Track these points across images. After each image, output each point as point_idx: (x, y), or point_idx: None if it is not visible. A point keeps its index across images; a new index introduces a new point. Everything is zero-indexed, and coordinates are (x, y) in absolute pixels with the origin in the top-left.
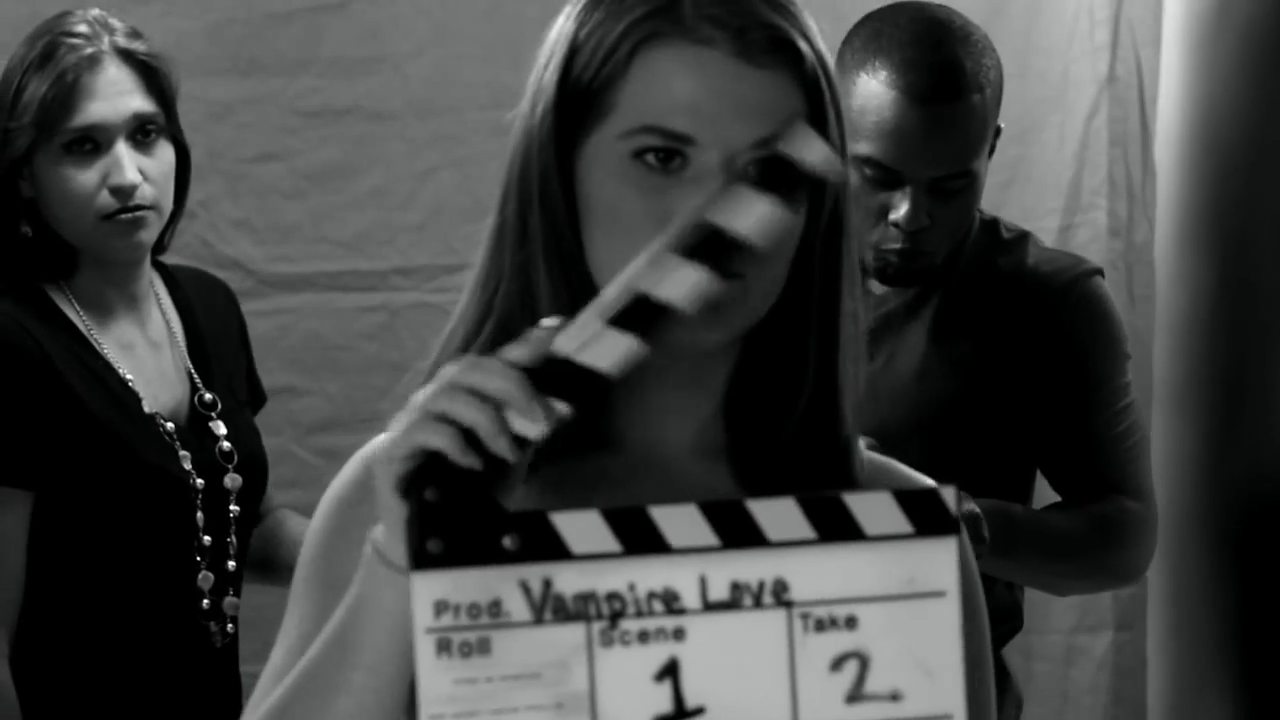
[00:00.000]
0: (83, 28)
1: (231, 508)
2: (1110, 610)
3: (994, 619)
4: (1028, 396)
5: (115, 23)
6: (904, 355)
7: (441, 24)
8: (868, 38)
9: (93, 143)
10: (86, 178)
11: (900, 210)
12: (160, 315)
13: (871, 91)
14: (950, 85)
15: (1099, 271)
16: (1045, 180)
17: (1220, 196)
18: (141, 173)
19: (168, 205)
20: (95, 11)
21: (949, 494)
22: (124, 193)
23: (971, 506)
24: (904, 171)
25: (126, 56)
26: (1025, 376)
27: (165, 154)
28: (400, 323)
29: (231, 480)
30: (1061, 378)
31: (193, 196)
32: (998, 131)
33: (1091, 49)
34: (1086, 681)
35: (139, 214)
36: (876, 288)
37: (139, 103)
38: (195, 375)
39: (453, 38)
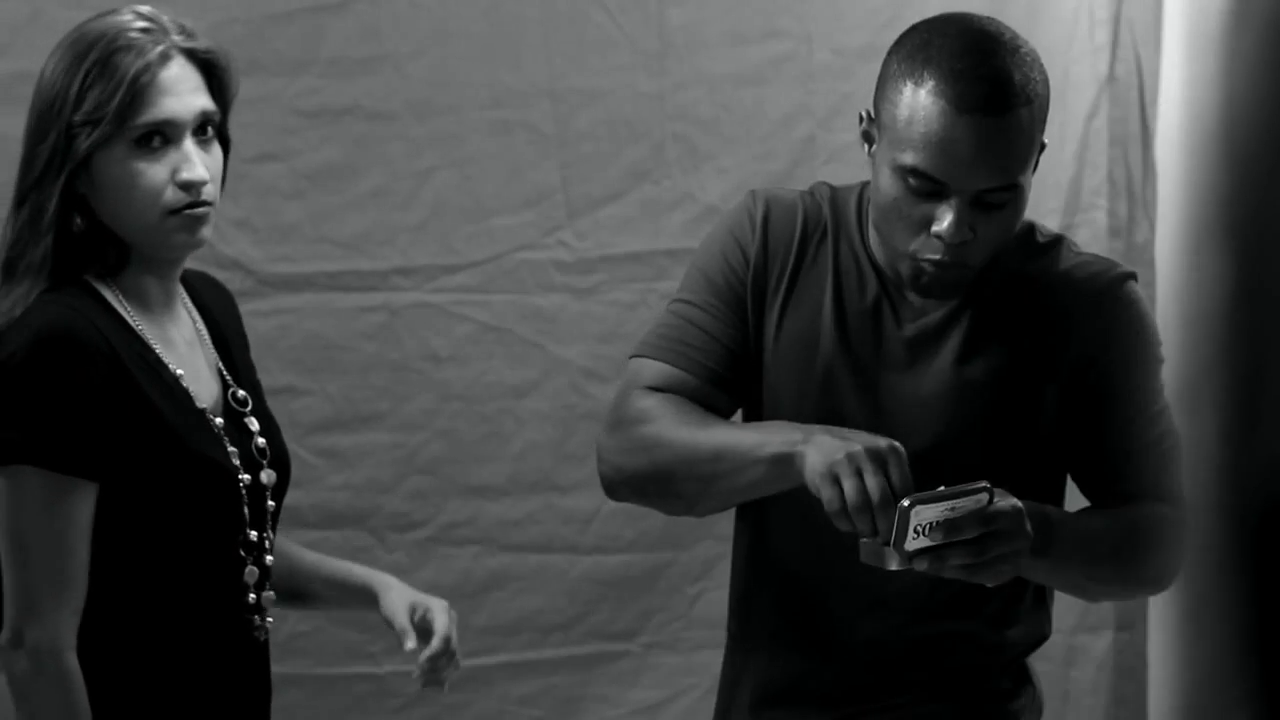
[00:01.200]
0: (143, 24)
1: (268, 503)
2: (1110, 610)
3: (1023, 631)
4: (1063, 405)
5: (168, 20)
6: (940, 366)
7: (441, 24)
8: (916, 47)
9: (162, 138)
10: (156, 172)
11: (944, 222)
12: (187, 313)
13: (919, 102)
14: (999, 97)
15: (1133, 276)
16: (1045, 180)
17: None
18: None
19: (218, 203)
20: (145, 8)
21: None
22: (193, 188)
23: (1014, 501)
24: (950, 183)
25: (190, 55)
26: (1060, 385)
27: (219, 153)
28: (400, 323)
29: (267, 476)
30: (1097, 385)
31: None
32: (1042, 147)
33: (1091, 49)
34: (1087, 681)
35: (203, 209)
36: (914, 299)
37: (204, 100)
38: (225, 373)
39: (453, 38)
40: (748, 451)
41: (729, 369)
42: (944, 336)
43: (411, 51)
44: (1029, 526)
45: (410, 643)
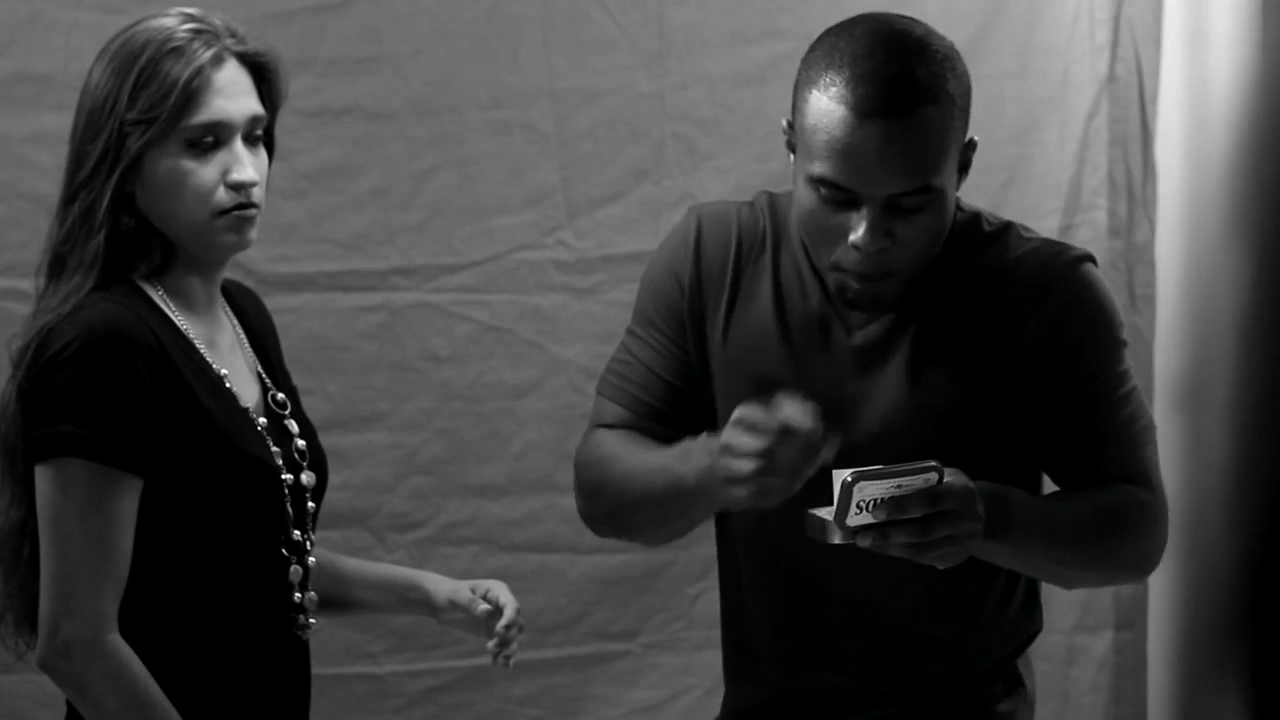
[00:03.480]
0: (193, 25)
1: (309, 504)
2: (1110, 610)
3: (1013, 630)
4: (1025, 396)
5: (219, 22)
6: (892, 373)
7: (441, 24)
8: (823, 52)
9: (214, 138)
10: (207, 172)
11: (858, 231)
12: (226, 317)
13: (823, 109)
14: (901, 99)
15: (1088, 257)
16: (1045, 180)
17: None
18: None
19: (263, 206)
20: (191, 9)
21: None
22: (243, 189)
23: (965, 482)
24: (858, 190)
25: (242, 58)
26: (1020, 377)
27: (265, 156)
28: (400, 323)
29: (308, 477)
30: (1057, 371)
31: None
32: (971, 145)
33: (1091, 49)
34: (1087, 681)
35: (251, 211)
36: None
37: (254, 104)
38: (264, 376)
39: (453, 38)
40: (672, 491)
41: (670, 403)
42: (895, 342)
43: (411, 51)
44: (981, 508)
45: (484, 606)
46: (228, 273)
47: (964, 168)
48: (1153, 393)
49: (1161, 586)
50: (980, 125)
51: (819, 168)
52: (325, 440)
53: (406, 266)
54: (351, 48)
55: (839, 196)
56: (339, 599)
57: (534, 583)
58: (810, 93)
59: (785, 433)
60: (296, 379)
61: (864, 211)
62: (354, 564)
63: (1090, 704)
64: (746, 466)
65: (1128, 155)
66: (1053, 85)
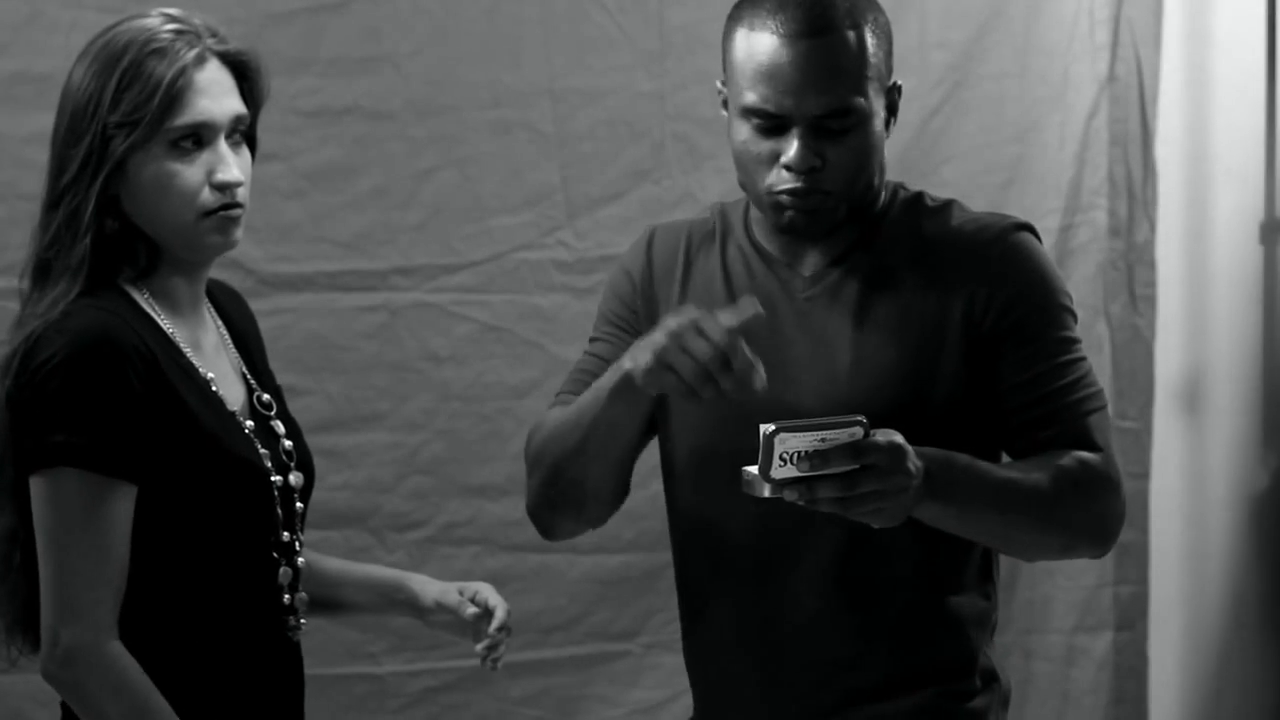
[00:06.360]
0: (175, 26)
1: (297, 505)
2: (1110, 610)
3: (968, 621)
4: (971, 360)
5: (200, 22)
6: (838, 329)
7: (441, 24)
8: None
9: (197, 140)
10: (192, 173)
11: (790, 152)
12: (211, 318)
13: (750, 42)
14: (819, 19)
15: (1027, 226)
16: (1045, 180)
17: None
18: None
19: (248, 205)
20: (173, 10)
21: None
22: (228, 189)
23: (895, 438)
24: (785, 114)
25: (224, 57)
26: (963, 336)
27: (248, 155)
28: (400, 322)
29: (295, 478)
30: (995, 330)
31: None
32: (897, 89)
33: (1091, 49)
34: (1087, 681)
35: (236, 211)
36: (806, 269)
37: (237, 103)
38: (249, 377)
39: (453, 38)
40: (594, 403)
41: None
42: (838, 303)
43: (411, 51)
44: (913, 465)
45: (472, 609)
46: (225, 273)
47: (891, 109)
48: (1153, 393)
49: (1161, 586)
50: (980, 125)
51: (750, 97)
52: (325, 440)
53: (406, 266)
54: (351, 48)
55: (770, 123)
56: (325, 599)
57: (534, 583)
58: (737, 31)
59: (697, 329)
60: (296, 379)
61: (793, 134)
62: (339, 565)
63: (1090, 704)
64: (654, 349)
65: (1128, 155)
66: (1053, 85)
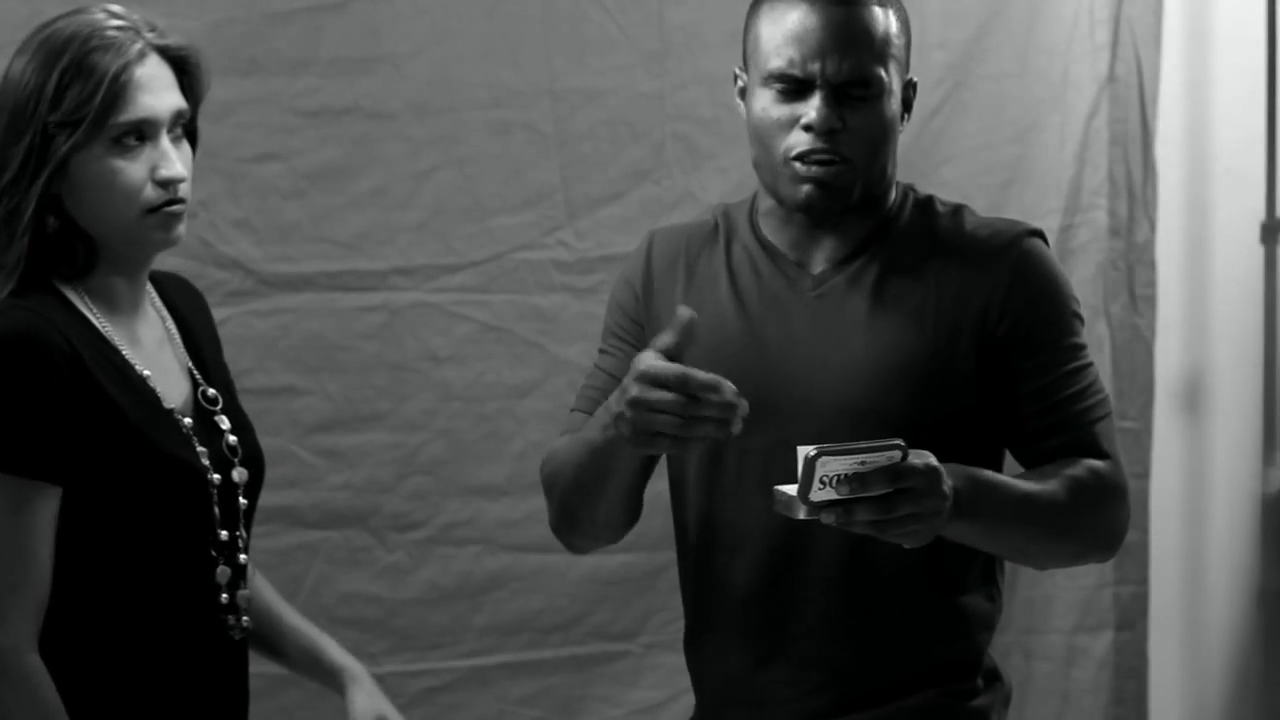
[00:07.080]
0: (117, 23)
1: (240, 501)
2: (1110, 610)
3: (973, 622)
4: (982, 363)
5: (139, 18)
6: (852, 329)
7: (441, 24)
8: None
9: (138, 136)
10: (135, 170)
11: (811, 113)
12: (156, 313)
13: (778, 14)
14: None
15: (1037, 233)
16: (1045, 180)
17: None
18: None
19: (190, 200)
20: (115, 6)
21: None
22: (171, 185)
23: (930, 460)
24: (810, 76)
25: (163, 52)
26: (974, 338)
27: (189, 150)
28: (400, 323)
29: (239, 474)
30: (1007, 336)
31: (193, 196)
32: (912, 85)
33: (1091, 49)
34: (1087, 681)
35: (179, 207)
36: (815, 266)
37: (177, 98)
38: (195, 372)
39: (453, 38)
40: (589, 452)
41: None
42: (849, 302)
43: (411, 51)
44: (947, 487)
45: None
46: (226, 273)
47: (906, 105)
48: (1153, 393)
49: (1161, 586)
50: (980, 125)
51: (775, 62)
52: (325, 440)
53: (406, 266)
54: (351, 48)
55: (792, 86)
56: (272, 646)
57: (534, 583)
58: (762, 10)
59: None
60: (296, 379)
61: (816, 96)
62: (293, 622)
63: (1090, 704)
64: (631, 424)
65: (1128, 155)
66: (1053, 85)
